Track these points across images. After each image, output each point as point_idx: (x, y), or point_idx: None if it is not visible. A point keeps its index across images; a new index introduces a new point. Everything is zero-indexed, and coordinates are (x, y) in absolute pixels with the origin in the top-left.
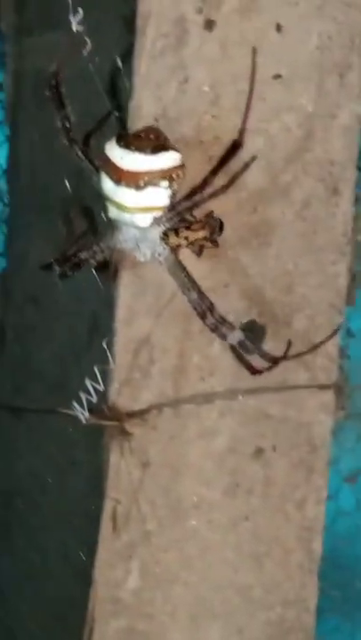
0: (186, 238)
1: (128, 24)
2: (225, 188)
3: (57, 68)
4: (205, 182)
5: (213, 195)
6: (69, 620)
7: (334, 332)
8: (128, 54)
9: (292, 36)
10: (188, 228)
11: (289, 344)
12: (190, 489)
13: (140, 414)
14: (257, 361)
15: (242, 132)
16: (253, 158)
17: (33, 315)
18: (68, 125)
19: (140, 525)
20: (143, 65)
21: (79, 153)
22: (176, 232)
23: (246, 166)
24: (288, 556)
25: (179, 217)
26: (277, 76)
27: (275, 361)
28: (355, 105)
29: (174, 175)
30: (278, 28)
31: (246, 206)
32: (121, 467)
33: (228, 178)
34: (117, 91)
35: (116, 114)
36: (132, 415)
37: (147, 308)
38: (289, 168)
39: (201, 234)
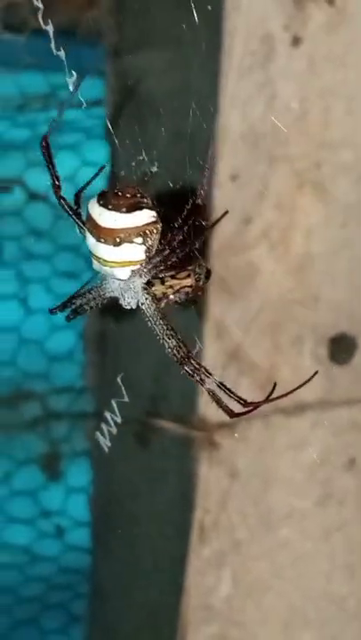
0: (171, 287)
1: (214, 43)
2: (193, 243)
3: (48, 130)
4: (172, 238)
5: (182, 249)
6: (163, 625)
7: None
8: (214, 73)
9: None
10: (173, 276)
11: (273, 387)
12: (281, 499)
13: (229, 426)
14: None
15: (200, 194)
16: (225, 214)
17: (131, 327)
18: (57, 183)
19: (230, 534)
20: (230, 83)
21: (68, 210)
22: (162, 280)
23: (217, 221)
24: None
25: (156, 269)
26: None
27: (251, 405)
28: None
29: (148, 232)
30: None
31: (336, 220)
32: (210, 477)
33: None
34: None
35: (108, 167)
36: (221, 426)
37: (235, 322)
38: None
39: (186, 282)
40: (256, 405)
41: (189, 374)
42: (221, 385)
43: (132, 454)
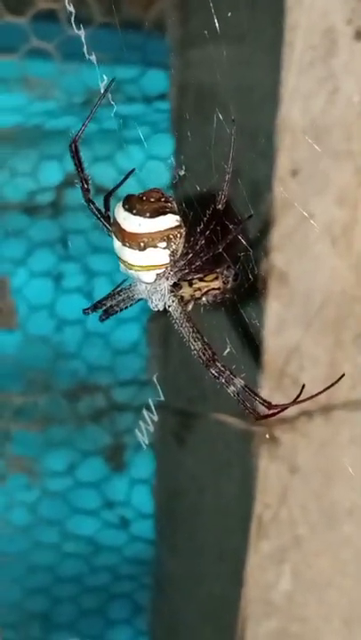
0: (199, 289)
1: (277, 37)
2: (217, 247)
3: (77, 133)
4: (195, 242)
5: (207, 252)
6: (224, 618)
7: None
8: (276, 68)
9: None
10: (201, 279)
11: (302, 389)
12: (343, 495)
13: (289, 421)
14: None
15: (222, 199)
16: (249, 217)
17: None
18: (86, 186)
19: (291, 529)
20: (291, 77)
21: (96, 213)
22: (190, 283)
23: (241, 223)
24: None
25: (181, 272)
26: None
27: (276, 407)
28: None
29: (172, 236)
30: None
31: None
32: (270, 472)
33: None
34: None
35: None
36: (282, 422)
37: (296, 318)
38: None
39: (214, 284)
40: (282, 408)
41: (215, 376)
42: (246, 387)
43: (195, 447)
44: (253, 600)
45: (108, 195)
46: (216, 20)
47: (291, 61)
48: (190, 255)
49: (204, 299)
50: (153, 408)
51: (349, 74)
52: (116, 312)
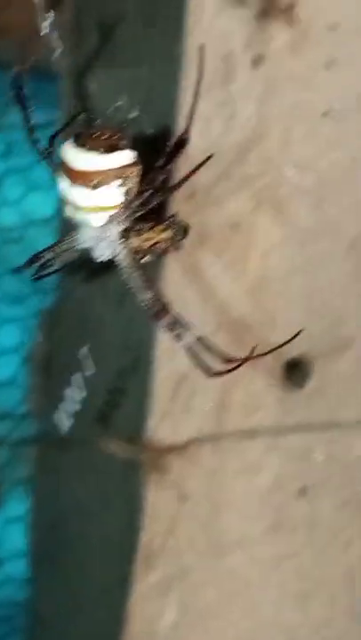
0: (148, 240)
1: (176, 60)
2: (176, 186)
3: (20, 68)
4: (153, 179)
5: (164, 193)
6: None
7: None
8: (174, 91)
9: (343, 74)
10: (150, 229)
11: (253, 349)
12: (231, 525)
13: (179, 448)
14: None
15: (187, 128)
16: (209, 157)
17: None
18: (30, 126)
19: (177, 560)
20: (189, 98)
21: (40, 153)
22: (138, 233)
23: (199, 166)
24: (334, 598)
25: (134, 215)
26: (327, 113)
27: (233, 362)
28: None
29: (128, 174)
30: (329, 64)
31: (295, 239)
32: (158, 500)
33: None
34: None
35: (84, 115)
36: (170, 449)
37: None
38: (338, 205)
39: (163, 235)
40: (239, 364)
41: (167, 329)
42: (201, 340)
43: (78, 478)
44: (137, 633)
45: (55, 135)
46: (113, 45)
47: (189, 85)
48: (148, 193)
49: (150, 254)
50: (31, 440)
51: (247, 99)
52: (54, 269)
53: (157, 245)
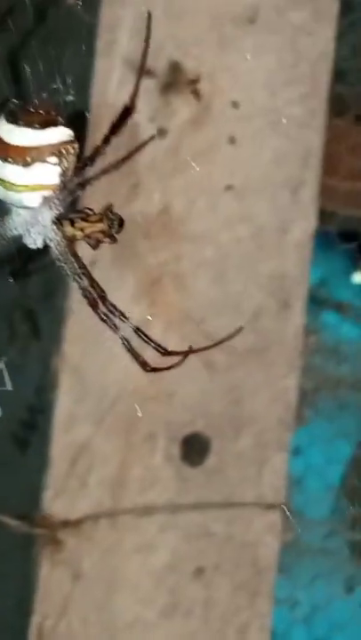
0: (82, 230)
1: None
2: (119, 163)
3: None
4: (96, 152)
5: (106, 170)
6: None
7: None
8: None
9: (245, 149)
10: (84, 219)
11: (190, 347)
12: (126, 606)
13: (74, 524)
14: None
15: (133, 96)
16: (152, 137)
17: None
18: None
19: None
20: (97, 168)
21: None
22: (72, 222)
23: (144, 144)
24: None
25: (69, 197)
26: (229, 187)
27: (170, 354)
28: (308, 221)
29: (64, 150)
30: (232, 140)
31: (195, 316)
32: (51, 579)
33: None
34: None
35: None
36: (66, 524)
37: (87, 414)
38: (239, 279)
39: (98, 226)
40: (179, 355)
41: (102, 319)
42: (138, 331)
43: None
44: None
45: None
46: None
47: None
48: (86, 173)
49: (83, 240)
50: None
51: (151, 171)
52: None
53: (91, 236)
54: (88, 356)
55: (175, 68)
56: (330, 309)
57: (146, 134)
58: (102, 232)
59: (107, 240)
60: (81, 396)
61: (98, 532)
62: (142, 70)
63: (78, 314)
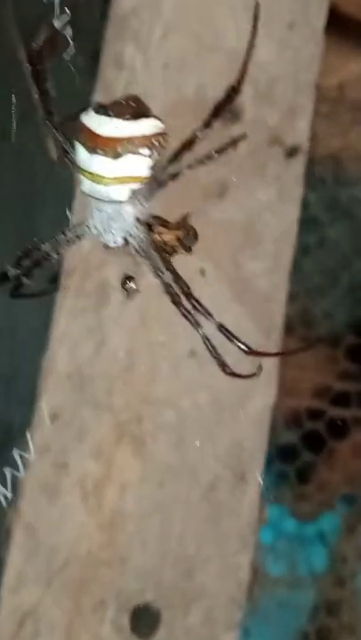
0: (160, 234)
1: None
2: (220, 151)
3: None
4: (195, 137)
5: (199, 162)
6: None
7: None
8: (48, 310)
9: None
10: (163, 225)
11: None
12: None
13: None
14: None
15: (240, 78)
16: (244, 134)
17: None
18: (46, 99)
19: None
20: (63, 320)
21: (54, 126)
22: (150, 227)
23: (238, 139)
24: None
25: (159, 188)
26: (193, 354)
27: (255, 354)
28: (267, 394)
29: (155, 142)
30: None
31: (154, 477)
32: None
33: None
34: None
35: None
36: None
37: (37, 574)
38: (198, 446)
39: (176, 233)
40: (263, 355)
41: (184, 315)
42: (222, 328)
43: None
44: None
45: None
46: None
47: (63, 304)
48: (182, 157)
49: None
50: None
51: (117, 328)
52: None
53: (168, 243)
54: (43, 512)
55: None
56: None
57: (115, 292)
58: (178, 239)
59: (182, 250)
60: (32, 553)
61: None
62: (251, 49)
63: (35, 469)
